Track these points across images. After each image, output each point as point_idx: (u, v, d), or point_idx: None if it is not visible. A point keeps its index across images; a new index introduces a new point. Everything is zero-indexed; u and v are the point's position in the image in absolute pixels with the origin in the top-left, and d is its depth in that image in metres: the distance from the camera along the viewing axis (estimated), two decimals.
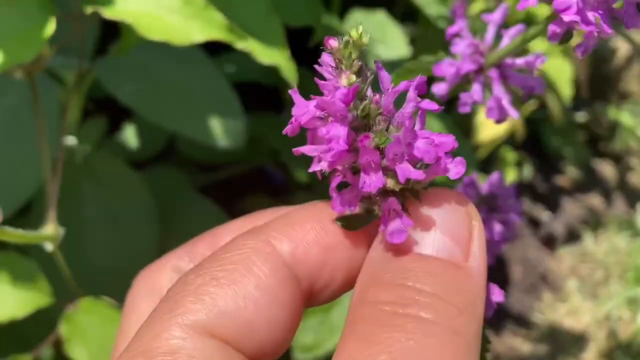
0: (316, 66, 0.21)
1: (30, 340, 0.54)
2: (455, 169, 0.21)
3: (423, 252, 0.20)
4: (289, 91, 0.22)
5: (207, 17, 0.41)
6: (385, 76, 0.22)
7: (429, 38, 0.77)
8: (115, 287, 0.56)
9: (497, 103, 0.37)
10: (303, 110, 0.21)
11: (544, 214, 1.19)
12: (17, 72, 0.48)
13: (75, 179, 0.53)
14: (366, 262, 0.21)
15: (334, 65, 0.21)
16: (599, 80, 1.34)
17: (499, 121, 0.38)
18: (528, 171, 1.17)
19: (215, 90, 0.53)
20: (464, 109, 0.37)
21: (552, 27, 0.29)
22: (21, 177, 0.49)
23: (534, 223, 1.18)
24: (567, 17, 0.28)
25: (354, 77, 0.21)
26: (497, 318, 1.06)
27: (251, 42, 0.43)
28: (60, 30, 0.44)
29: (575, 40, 0.30)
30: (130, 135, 0.66)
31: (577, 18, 0.28)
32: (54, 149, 0.48)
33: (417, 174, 0.20)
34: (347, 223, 0.22)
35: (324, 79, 0.21)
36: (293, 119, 0.21)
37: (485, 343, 0.26)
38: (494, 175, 0.59)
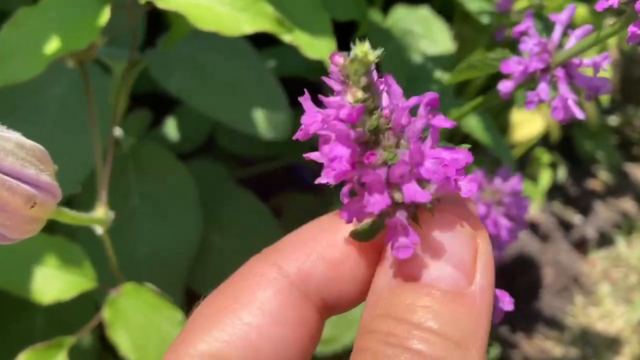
0: (324, 78, 0.21)
1: (69, 324, 0.55)
2: (467, 187, 0.20)
3: (424, 281, 0.20)
4: (300, 98, 0.22)
5: (257, 9, 0.41)
6: (395, 90, 0.21)
7: (464, 35, 0.77)
8: (156, 275, 0.57)
9: (563, 102, 0.37)
10: (312, 119, 0.21)
11: (575, 218, 1.17)
12: (69, 61, 0.49)
13: (122, 168, 0.54)
14: (372, 289, 0.22)
15: (342, 80, 0.21)
16: (631, 84, 1.32)
17: (563, 121, 0.38)
18: (562, 173, 1.16)
19: (261, 83, 0.54)
20: (529, 107, 0.37)
21: (632, 29, 0.29)
22: (70, 165, 0.50)
23: (566, 226, 1.16)
24: None
25: (360, 94, 0.20)
26: (528, 321, 1.05)
27: (298, 36, 0.43)
28: (110, 21, 0.44)
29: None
30: (170, 129, 0.67)
31: None
32: (102, 138, 0.49)
33: (423, 196, 0.20)
34: (357, 235, 0.22)
35: (332, 92, 0.21)
36: (302, 126, 0.21)
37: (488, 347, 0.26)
38: (503, 168, 0.59)
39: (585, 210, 1.19)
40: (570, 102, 0.35)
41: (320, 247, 0.22)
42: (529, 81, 0.37)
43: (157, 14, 0.55)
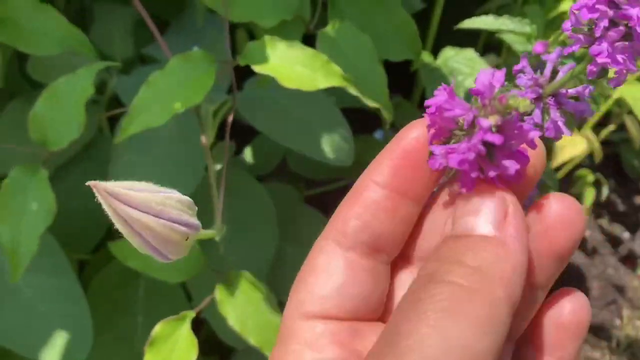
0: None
1: (164, 300, 0.67)
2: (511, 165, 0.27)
3: (476, 233, 0.26)
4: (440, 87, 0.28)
5: (329, 69, 0.52)
6: None
7: (509, 64, 0.85)
8: None
9: (554, 124, 0.47)
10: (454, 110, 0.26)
11: (624, 234, 1.21)
12: None
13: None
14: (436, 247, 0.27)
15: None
16: None
17: (555, 139, 0.48)
18: (605, 191, 1.21)
19: (328, 117, 0.64)
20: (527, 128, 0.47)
21: (589, 67, 0.39)
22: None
23: (613, 242, 1.21)
24: (600, 60, 0.37)
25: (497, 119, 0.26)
26: None
27: (360, 88, 0.54)
28: None
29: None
30: (249, 156, 0.78)
31: (608, 60, 0.37)
32: (199, 167, 0.60)
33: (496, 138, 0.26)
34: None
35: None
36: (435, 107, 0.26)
37: None
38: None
39: (633, 226, 1.23)
40: (560, 124, 0.45)
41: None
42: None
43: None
